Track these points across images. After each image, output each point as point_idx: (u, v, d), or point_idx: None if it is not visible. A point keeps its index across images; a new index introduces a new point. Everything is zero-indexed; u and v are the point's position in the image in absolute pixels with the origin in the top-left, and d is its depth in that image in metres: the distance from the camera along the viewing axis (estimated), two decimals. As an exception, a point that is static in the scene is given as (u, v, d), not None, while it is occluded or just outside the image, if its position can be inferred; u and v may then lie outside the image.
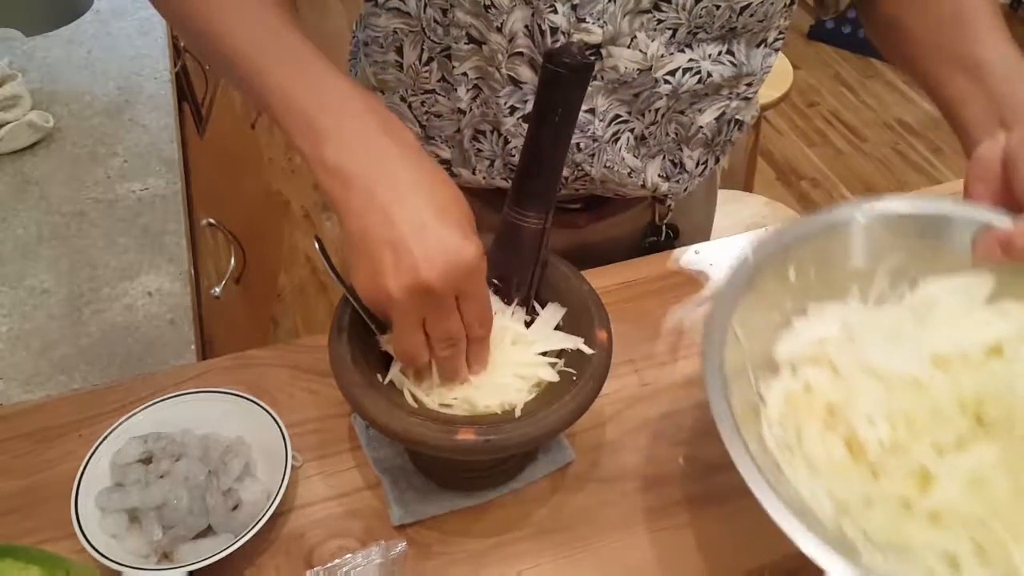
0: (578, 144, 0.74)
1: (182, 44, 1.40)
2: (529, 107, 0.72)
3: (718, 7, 0.67)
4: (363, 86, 0.59)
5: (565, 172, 0.77)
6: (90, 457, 0.61)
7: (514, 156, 0.76)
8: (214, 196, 1.33)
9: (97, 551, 0.56)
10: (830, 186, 2.55)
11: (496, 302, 0.62)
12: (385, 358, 0.60)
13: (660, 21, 0.67)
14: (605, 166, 0.77)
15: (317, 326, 2.04)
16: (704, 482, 0.67)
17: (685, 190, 0.85)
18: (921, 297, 0.57)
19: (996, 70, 0.67)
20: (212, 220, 1.22)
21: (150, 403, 0.65)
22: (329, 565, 0.58)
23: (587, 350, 0.59)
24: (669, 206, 0.87)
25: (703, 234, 0.99)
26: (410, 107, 0.78)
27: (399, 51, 0.74)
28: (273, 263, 2.10)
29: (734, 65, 0.73)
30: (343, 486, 0.65)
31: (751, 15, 0.69)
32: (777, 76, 1.79)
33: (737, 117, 0.80)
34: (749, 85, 0.76)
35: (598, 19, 0.66)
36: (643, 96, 0.73)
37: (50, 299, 0.88)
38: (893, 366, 0.53)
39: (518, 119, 0.73)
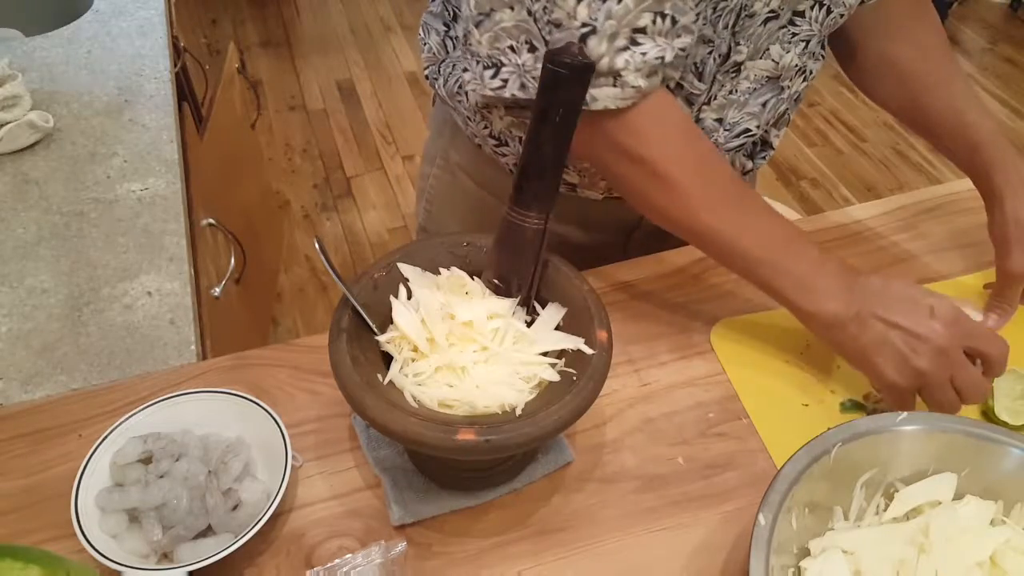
0: None
1: (182, 44, 1.40)
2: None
3: (842, 15, 0.73)
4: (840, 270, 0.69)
5: None
6: (90, 457, 0.61)
7: None
8: (214, 196, 1.33)
9: (97, 551, 0.56)
10: (830, 186, 2.55)
11: (496, 301, 0.63)
12: (385, 358, 0.60)
13: (795, 34, 0.73)
14: None
15: (317, 326, 2.04)
16: (704, 482, 0.67)
17: (764, 159, 0.89)
18: (903, 509, 0.60)
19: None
20: (212, 220, 1.21)
21: (150, 403, 0.65)
22: (329, 565, 0.58)
23: (587, 350, 0.59)
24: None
25: None
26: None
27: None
28: (273, 263, 2.10)
29: (823, 58, 0.80)
30: (343, 486, 0.65)
31: (849, 15, 0.75)
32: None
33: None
34: (817, 71, 0.82)
35: (746, 41, 0.71)
36: (769, 104, 0.78)
37: (50, 299, 0.88)
38: None
39: None
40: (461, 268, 0.65)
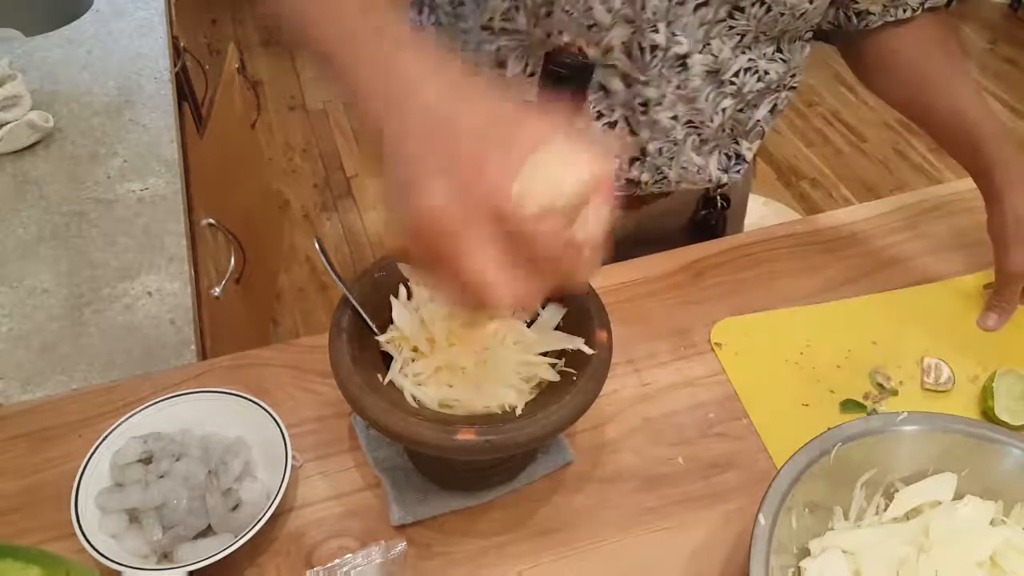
0: (660, 149, 0.80)
1: (182, 44, 1.40)
2: (616, 115, 0.78)
3: (782, 14, 0.73)
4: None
5: (644, 176, 0.82)
6: (90, 457, 0.61)
7: None
8: (214, 196, 1.33)
9: (97, 551, 0.56)
10: (830, 186, 2.55)
11: None
12: (385, 358, 0.60)
13: (731, 28, 0.73)
14: (681, 167, 0.82)
15: (317, 326, 2.04)
16: (704, 482, 0.67)
17: (739, 172, 0.89)
18: (903, 510, 0.60)
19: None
20: (212, 220, 1.21)
21: (150, 403, 0.65)
22: (329, 565, 0.58)
23: (587, 350, 0.59)
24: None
25: (743, 207, 1.05)
26: None
27: (502, 64, 0.77)
28: (273, 263, 2.10)
29: (784, 61, 0.79)
30: (343, 486, 0.65)
31: (805, 20, 0.75)
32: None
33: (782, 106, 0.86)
34: (793, 76, 0.82)
35: (683, 32, 0.72)
36: (711, 98, 0.78)
37: (50, 299, 0.88)
38: None
39: (603, 124, 0.78)
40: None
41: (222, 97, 1.53)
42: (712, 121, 0.80)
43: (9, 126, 1.05)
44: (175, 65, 1.29)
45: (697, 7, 0.71)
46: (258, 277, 1.72)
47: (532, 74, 0.77)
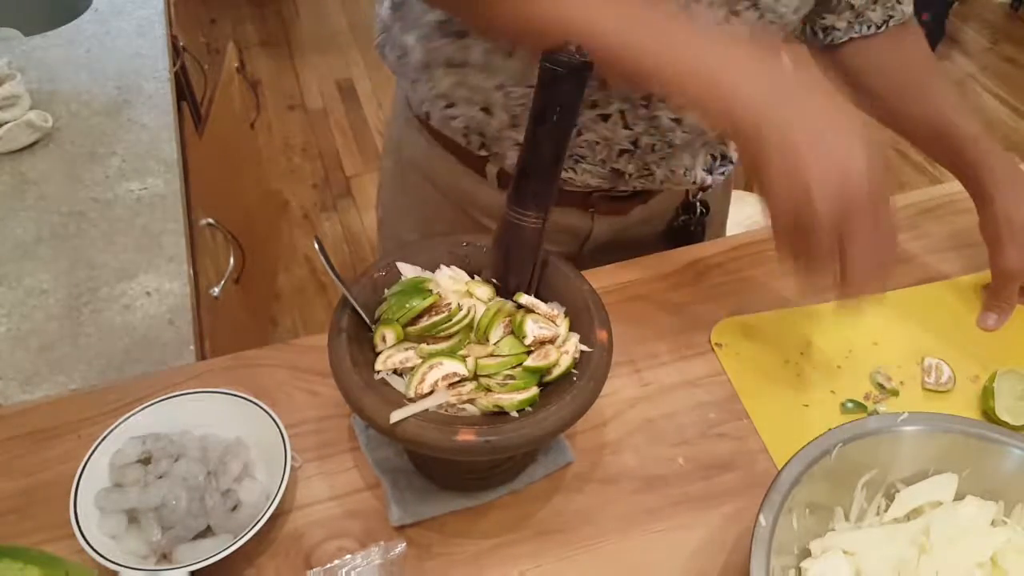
0: (653, 145, 0.78)
1: (181, 43, 1.40)
2: (612, 108, 0.76)
3: (772, 23, 0.72)
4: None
5: (631, 168, 0.81)
6: (89, 457, 0.61)
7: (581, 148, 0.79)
8: (213, 196, 1.32)
9: (96, 552, 0.56)
10: (830, 186, 2.55)
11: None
12: (385, 358, 0.60)
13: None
14: (670, 168, 0.82)
15: (316, 326, 2.04)
16: (704, 482, 0.66)
17: (723, 174, 0.89)
18: (904, 510, 0.59)
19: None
20: (211, 220, 1.21)
21: (149, 403, 0.65)
22: (329, 566, 0.58)
23: (587, 350, 0.59)
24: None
25: (724, 213, 1.04)
26: (507, 96, 0.77)
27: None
28: (272, 263, 2.10)
29: None
30: (343, 486, 0.65)
31: (790, 30, 0.75)
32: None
33: None
34: None
35: None
36: None
37: (49, 299, 0.88)
38: None
39: (597, 115, 0.76)
40: (461, 268, 0.64)
41: (221, 97, 1.53)
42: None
43: (8, 126, 1.05)
44: (174, 65, 1.28)
45: (709, 5, 0.70)
46: (257, 277, 1.72)
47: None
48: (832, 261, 0.56)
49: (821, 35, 0.83)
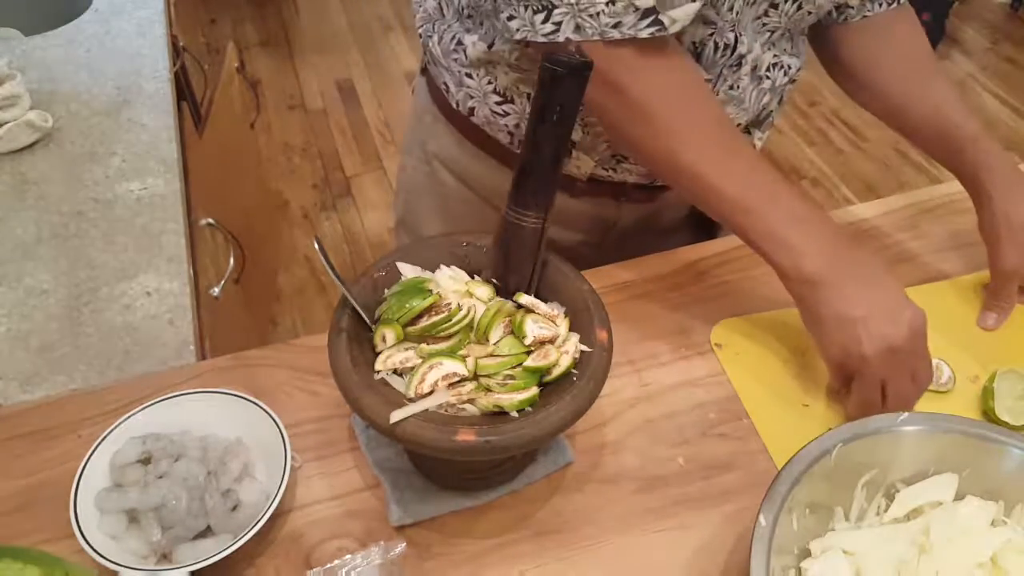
0: None
1: (181, 43, 1.40)
2: None
3: (810, 13, 0.74)
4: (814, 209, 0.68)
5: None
6: (89, 457, 0.61)
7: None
8: (213, 196, 1.32)
9: (96, 552, 0.56)
10: (831, 186, 2.55)
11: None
12: (384, 358, 0.60)
13: (764, 24, 0.74)
14: None
15: (316, 326, 2.04)
16: (705, 483, 0.66)
17: None
18: (904, 510, 0.60)
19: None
20: (211, 220, 1.21)
21: (149, 403, 0.65)
22: (329, 566, 0.58)
23: (587, 350, 0.59)
24: None
25: None
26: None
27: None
28: (272, 263, 2.10)
29: (796, 55, 0.81)
30: (342, 486, 0.65)
31: (817, 17, 0.77)
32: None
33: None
34: (799, 69, 0.83)
35: (744, 30, 0.73)
36: (753, 96, 0.79)
37: (49, 299, 0.88)
38: None
39: None
40: (461, 267, 0.64)
41: (221, 97, 1.53)
42: (747, 115, 0.81)
43: (8, 126, 1.04)
44: (174, 65, 1.28)
45: (751, 3, 0.71)
46: (257, 277, 1.72)
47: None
48: (877, 394, 0.66)
49: (835, 13, 0.83)
